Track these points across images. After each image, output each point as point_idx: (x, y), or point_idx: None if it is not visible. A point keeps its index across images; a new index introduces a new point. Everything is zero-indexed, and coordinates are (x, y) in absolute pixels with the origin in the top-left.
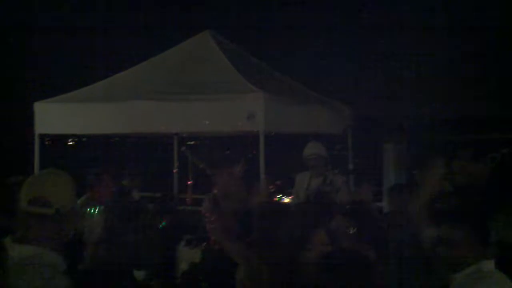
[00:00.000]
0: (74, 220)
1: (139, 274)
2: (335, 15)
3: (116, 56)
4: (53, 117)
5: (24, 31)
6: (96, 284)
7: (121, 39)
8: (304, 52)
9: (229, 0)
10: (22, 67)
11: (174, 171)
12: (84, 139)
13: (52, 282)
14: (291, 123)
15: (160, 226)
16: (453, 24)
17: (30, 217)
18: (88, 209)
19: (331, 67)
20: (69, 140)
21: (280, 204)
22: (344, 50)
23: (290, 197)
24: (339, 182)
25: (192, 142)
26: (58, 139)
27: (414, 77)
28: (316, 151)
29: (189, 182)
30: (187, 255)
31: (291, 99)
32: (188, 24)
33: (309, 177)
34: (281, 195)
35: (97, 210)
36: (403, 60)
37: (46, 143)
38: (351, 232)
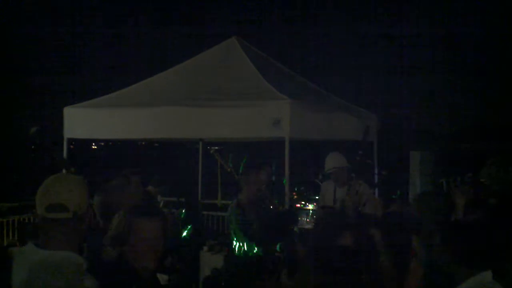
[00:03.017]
0: (89, 221)
1: (163, 278)
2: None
3: (144, 62)
4: (82, 122)
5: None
6: (121, 285)
7: (149, 46)
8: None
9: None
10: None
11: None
12: (110, 143)
13: (80, 282)
14: (317, 129)
15: (185, 231)
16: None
17: (49, 223)
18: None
19: (359, 75)
20: (94, 144)
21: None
22: (373, 60)
23: (314, 204)
24: (366, 193)
25: (216, 148)
26: (85, 143)
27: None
28: (335, 164)
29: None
30: (210, 261)
31: (317, 106)
32: (216, 31)
33: (333, 187)
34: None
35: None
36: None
37: (71, 147)
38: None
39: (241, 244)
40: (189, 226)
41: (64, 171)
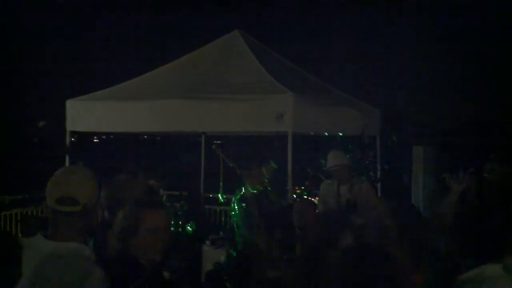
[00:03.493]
0: (98, 214)
1: (166, 273)
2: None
3: (146, 55)
4: (84, 114)
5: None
6: (125, 278)
7: (152, 39)
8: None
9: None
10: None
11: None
12: (112, 136)
13: (90, 273)
14: (320, 124)
15: (188, 226)
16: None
17: (59, 215)
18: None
19: (363, 70)
20: (96, 137)
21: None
22: (376, 55)
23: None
24: (369, 190)
25: (219, 142)
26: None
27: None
28: (338, 162)
29: None
30: (212, 255)
31: (320, 100)
32: (218, 24)
33: (336, 185)
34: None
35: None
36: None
37: (73, 139)
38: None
39: (243, 238)
40: (192, 221)
41: (67, 162)
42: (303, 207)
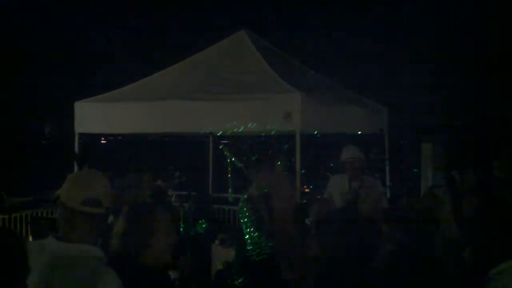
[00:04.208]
0: (110, 217)
1: (174, 273)
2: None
3: (153, 56)
4: (92, 116)
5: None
6: (133, 280)
7: (158, 40)
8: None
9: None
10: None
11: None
12: (120, 137)
13: (103, 274)
14: (328, 123)
15: (199, 226)
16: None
17: (80, 216)
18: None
19: (370, 68)
20: (103, 139)
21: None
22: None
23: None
24: (379, 187)
25: (226, 142)
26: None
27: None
28: (353, 155)
29: None
30: (221, 254)
31: (328, 99)
32: (225, 23)
33: (347, 180)
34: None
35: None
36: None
37: (81, 141)
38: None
39: (252, 237)
40: (203, 221)
41: (76, 164)
42: (321, 205)
